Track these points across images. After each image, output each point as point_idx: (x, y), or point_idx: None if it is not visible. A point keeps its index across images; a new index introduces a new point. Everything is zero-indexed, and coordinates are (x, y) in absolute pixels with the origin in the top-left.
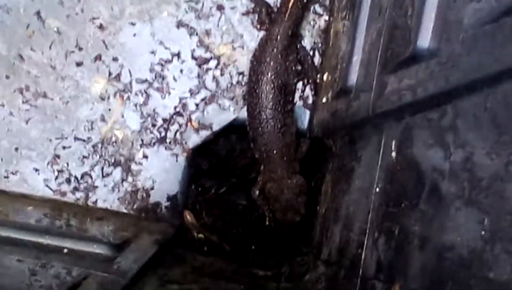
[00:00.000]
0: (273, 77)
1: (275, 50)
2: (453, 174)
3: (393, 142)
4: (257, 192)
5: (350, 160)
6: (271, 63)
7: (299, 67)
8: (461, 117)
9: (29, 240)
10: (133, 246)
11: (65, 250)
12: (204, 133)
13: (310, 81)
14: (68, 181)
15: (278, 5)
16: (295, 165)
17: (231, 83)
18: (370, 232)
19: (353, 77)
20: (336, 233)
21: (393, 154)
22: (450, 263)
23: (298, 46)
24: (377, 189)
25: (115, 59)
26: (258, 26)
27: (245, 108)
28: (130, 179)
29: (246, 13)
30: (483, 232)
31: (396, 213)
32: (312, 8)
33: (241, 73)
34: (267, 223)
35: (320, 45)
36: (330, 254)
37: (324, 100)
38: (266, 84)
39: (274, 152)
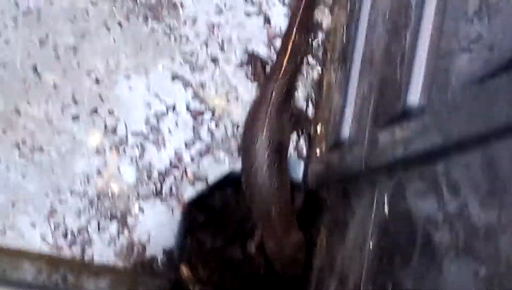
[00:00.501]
0: (268, 135)
1: (270, 108)
2: (447, 225)
3: (385, 197)
4: (254, 247)
5: (344, 214)
6: (266, 121)
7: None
8: (453, 172)
9: None
10: None
11: None
12: (200, 186)
13: (304, 132)
14: (64, 235)
15: (273, 60)
16: (293, 220)
17: (226, 135)
18: (364, 288)
19: (346, 130)
20: (331, 287)
21: (386, 209)
22: None
23: (292, 102)
24: (371, 244)
25: (111, 112)
26: (253, 78)
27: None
28: (126, 233)
29: (241, 65)
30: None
31: (389, 269)
32: (305, 59)
33: (236, 125)
34: (263, 275)
35: (313, 96)
36: None
37: (318, 152)
38: (261, 142)
39: (273, 210)
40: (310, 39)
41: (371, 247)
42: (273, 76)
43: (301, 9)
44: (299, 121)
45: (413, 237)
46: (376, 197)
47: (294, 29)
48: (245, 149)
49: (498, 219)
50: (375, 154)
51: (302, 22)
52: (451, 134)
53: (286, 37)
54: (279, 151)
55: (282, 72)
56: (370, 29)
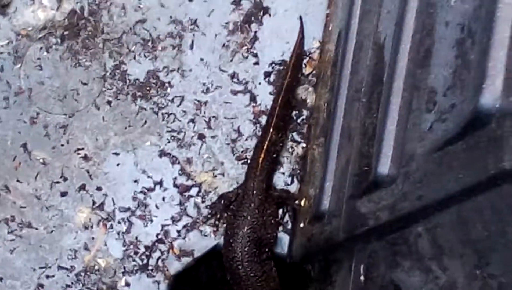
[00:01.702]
0: (249, 231)
1: (251, 205)
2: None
3: (362, 266)
4: None
5: (326, 284)
6: (248, 217)
7: (278, 218)
8: (421, 240)
9: None
10: None
11: None
12: (186, 260)
13: (289, 208)
14: None
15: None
16: None
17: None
18: None
19: (326, 203)
20: None
21: (362, 277)
22: None
23: (273, 188)
24: None
25: (98, 189)
26: (215, 229)
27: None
28: None
29: (206, 221)
30: None
31: None
32: (290, 135)
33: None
34: None
35: (298, 171)
36: None
37: (301, 225)
38: (242, 238)
39: None
40: (287, 134)
41: None
42: (251, 174)
43: (276, 109)
44: (283, 201)
45: None
46: (353, 266)
47: (271, 128)
48: (226, 244)
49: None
50: (352, 224)
51: (279, 120)
52: (415, 202)
53: (262, 135)
54: (260, 245)
55: (259, 170)
56: (348, 105)
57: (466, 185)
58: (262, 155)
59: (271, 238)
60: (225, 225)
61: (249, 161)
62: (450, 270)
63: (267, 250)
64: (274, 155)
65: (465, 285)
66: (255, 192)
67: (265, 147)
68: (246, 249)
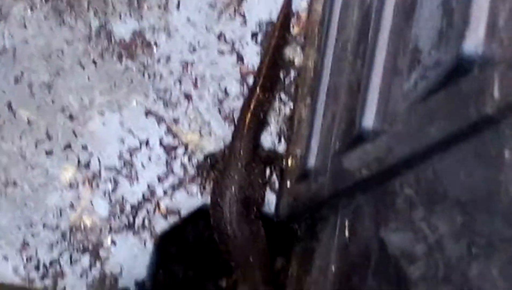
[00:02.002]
0: (236, 191)
1: (239, 165)
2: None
3: (346, 222)
4: (225, 284)
5: (311, 242)
6: (235, 177)
7: (265, 178)
8: (404, 194)
9: None
10: None
11: None
12: (172, 219)
13: (276, 168)
14: (36, 268)
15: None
16: (269, 274)
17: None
18: None
19: (312, 161)
20: None
21: (346, 233)
22: None
23: (261, 149)
24: (333, 269)
25: (84, 148)
26: (201, 189)
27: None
28: (98, 265)
29: (192, 180)
30: None
31: (349, 288)
32: (277, 96)
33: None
34: None
35: (285, 131)
36: None
37: (288, 184)
38: (230, 198)
39: (250, 259)
40: (275, 95)
41: (333, 271)
42: (238, 134)
43: (264, 69)
44: (271, 161)
45: (368, 257)
46: (338, 223)
47: (257, 88)
48: (214, 204)
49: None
50: (336, 180)
51: (266, 80)
52: (398, 154)
53: (249, 95)
54: (248, 205)
55: (246, 129)
56: (334, 63)
57: (448, 134)
58: (249, 115)
59: (258, 197)
60: (212, 184)
61: (236, 121)
62: (437, 228)
63: (254, 209)
64: (261, 115)
65: (453, 244)
66: (242, 152)
67: (252, 107)
68: (233, 208)
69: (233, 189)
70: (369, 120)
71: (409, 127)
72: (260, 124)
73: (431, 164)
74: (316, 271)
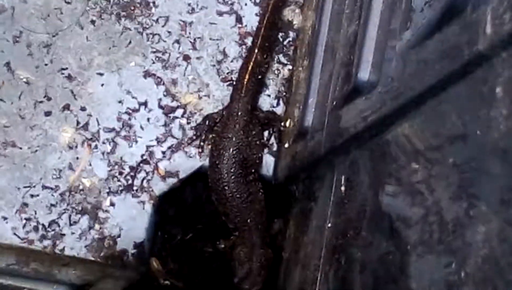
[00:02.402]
0: (234, 152)
1: (236, 126)
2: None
3: (343, 177)
4: (223, 246)
5: (309, 202)
6: (233, 139)
7: (263, 139)
8: (398, 144)
9: None
10: (98, 288)
11: None
12: (171, 181)
13: (274, 130)
14: (35, 229)
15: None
16: (267, 236)
17: None
18: (323, 267)
19: (309, 119)
20: (296, 275)
21: (342, 188)
22: None
23: (259, 111)
24: (329, 225)
25: (83, 109)
26: (200, 150)
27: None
28: (97, 226)
29: (191, 142)
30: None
31: (342, 243)
32: (276, 57)
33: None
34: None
35: (284, 93)
36: None
37: (286, 145)
38: (228, 159)
39: (248, 221)
40: (273, 56)
41: (329, 227)
42: (236, 95)
43: (262, 30)
44: (269, 122)
45: (363, 211)
46: (335, 179)
47: (256, 49)
48: (212, 165)
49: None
50: (333, 136)
51: (264, 41)
52: (397, 100)
53: (247, 56)
54: (246, 166)
55: (244, 91)
56: (332, 20)
57: (442, 75)
58: (247, 76)
59: (256, 159)
60: (210, 146)
61: (234, 83)
62: (435, 190)
63: (253, 171)
64: (259, 77)
65: (450, 206)
66: (240, 113)
67: (250, 68)
68: (232, 170)
69: (231, 150)
70: (365, 72)
71: (404, 75)
72: (259, 85)
73: (425, 109)
74: (313, 231)
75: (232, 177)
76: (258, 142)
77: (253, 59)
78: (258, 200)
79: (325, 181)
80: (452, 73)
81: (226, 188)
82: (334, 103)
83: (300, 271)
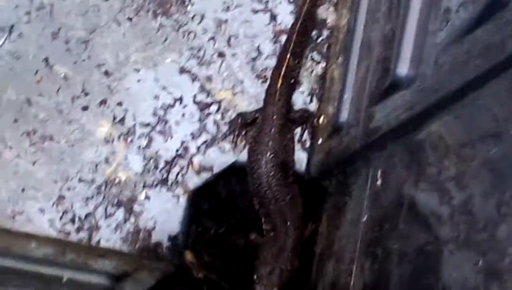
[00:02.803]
0: (272, 156)
1: (272, 130)
2: (429, 190)
3: (379, 171)
4: (253, 237)
5: (343, 196)
6: (269, 143)
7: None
8: (432, 140)
9: (28, 270)
10: (133, 279)
11: (64, 279)
12: (205, 175)
13: (308, 126)
14: (72, 221)
15: (267, 87)
16: (299, 242)
17: None
18: (358, 260)
19: (344, 115)
20: (329, 268)
21: (378, 182)
22: None
23: (293, 114)
24: (365, 218)
25: (119, 104)
26: (233, 146)
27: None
28: (132, 219)
29: (224, 137)
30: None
31: (379, 236)
32: (310, 55)
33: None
34: None
35: (317, 91)
36: None
37: (320, 141)
38: (266, 164)
39: (288, 223)
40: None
41: (364, 220)
42: (270, 100)
43: (295, 35)
44: (303, 120)
45: (401, 204)
46: (370, 174)
47: (288, 54)
48: (251, 171)
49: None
50: (369, 131)
51: (297, 46)
52: (435, 95)
53: (280, 60)
54: (284, 169)
55: (278, 95)
56: (368, 15)
57: (483, 70)
58: (280, 81)
59: (292, 161)
60: (247, 151)
61: (267, 87)
62: (466, 188)
63: (292, 173)
64: (292, 80)
65: (481, 203)
66: (275, 117)
67: (282, 72)
68: (271, 174)
69: (268, 154)
70: (403, 67)
71: (441, 72)
72: (292, 88)
73: (461, 107)
74: (347, 225)
75: (273, 181)
76: (293, 145)
77: (285, 64)
78: (298, 203)
79: (360, 175)
80: (488, 71)
81: (268, 192)
82: (370, 99)
83: (334, 264)
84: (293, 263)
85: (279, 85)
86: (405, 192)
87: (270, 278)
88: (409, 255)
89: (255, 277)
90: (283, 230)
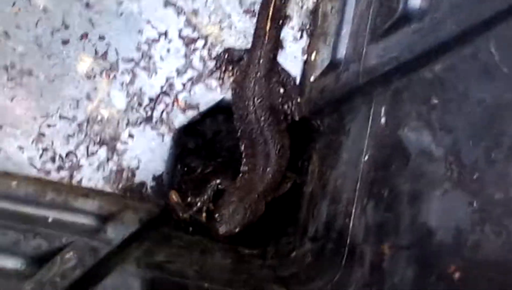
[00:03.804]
0: (259, 101)
1: (258, 74)
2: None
3: (383, 108)
4: (219, 182)
5: (338, 135)
6: (256, 87)
7: (282, 89)
8: (450, 71)
9: (13, 210)
10: (118, 220)
11: (50, 220)
12: (191, 113)
13: (293, 102)
14: (52, 159)
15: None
16: (274, 192)
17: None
18: (358, 201)
19: (342, 50)
20: (323, 209)
21: (382, 120)
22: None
23: (280, 68)
24: (366, 158)
25: (101, 38)
26: (220, 83)
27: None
28: (115, 158)
29: (211, 74)
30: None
31: (385, 176)
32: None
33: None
34: None
35: (308, 26)
36: (317, 231)
37: (312, 79)
38: (256, 109)
39: (268, 169)
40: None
41: (365, 160)
42: (258, 42)
43: None
44: (286, 88)
45: (410, 142)
46: (372, 110)
47: None
48: (241, 118)
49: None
50: (372, 65)
51: None
52: (451, 32)
53: (265, 2)
54: (273, 113)
55: (267, 38)
56: None
57: (499, 10)
58: (269, 24)
59: (279, 105)
60: (232, 96)
61: (254, 28)
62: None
63: (281, 118)
64: (280, 22)
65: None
66: (262, 60)
67: (270, 14)
68: (262, 118)
69: (256, 99)
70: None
71: (460, 4)
72: (280, 29)
73: (479, 40)
74: (343, 164)
75: (264, 126)
76: (280, 89)
77: (272, 4)
78: (286, 148)
79: (359, 113)
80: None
81: (259, 137)
82: (375, 32)
83: (328, 205)
84: (258, 206)
85: (267, 28)
86: (412, 130)
87: (232, 217)
88: (422, 194)
89: (216, 215)
90: (259, 173)
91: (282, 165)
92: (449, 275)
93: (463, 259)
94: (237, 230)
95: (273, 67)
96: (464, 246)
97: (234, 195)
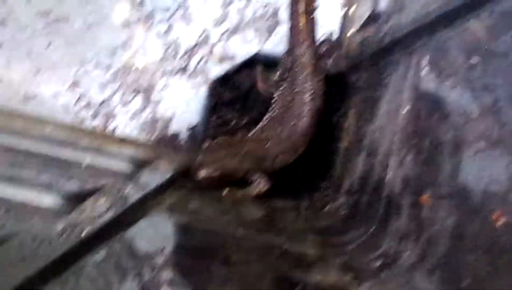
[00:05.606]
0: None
1: (306, 73)
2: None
3: (424, 60)
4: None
5: (376, 89)
6: (309, 87)
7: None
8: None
9: (47, 154)
10: (152, 167)
11: (84, 164)
12: (227, 65)
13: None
14: (87, 107)
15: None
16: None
17: (256, 16)
18: (396, 153)
19: (383, 2)
20: (359, 163)
21: (423, 71)
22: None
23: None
24: (405, 109)
25: None
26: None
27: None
28: (150, 108)
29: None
30: None
31: (426, 126)
32: None
33: (266, 6)
34: None
35: None
36: (352, 185)
37: (350, 33)
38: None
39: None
40: None
41: (405, 111)
42: (296, 41)
43: None
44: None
45: (454, 90)
46: (413, 63)
47: None
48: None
49: None
50: (415, 17)
51: None
52: None
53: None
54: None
55: (302, 36)
56: None
57: None
58: (303, 19)
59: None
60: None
61: (289, 26)
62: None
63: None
64: (313, 15)
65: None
66: (305, 58)
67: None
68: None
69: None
70: None
71: None
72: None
73: None
74: (382, 117)
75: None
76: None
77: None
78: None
79: (399, 66)
80: None
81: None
82: None
83: (364, 159)
84: (240, 167)
85: (302, 23)
86: (453, 83)
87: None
88: (467, 143)
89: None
90: (266, 138)
91: (313, 117)
92: (492, 222)
93: (507, 206)
94: (216, 174)
95: (317, 63)
96: (509, 193)
97: (221, 146)
